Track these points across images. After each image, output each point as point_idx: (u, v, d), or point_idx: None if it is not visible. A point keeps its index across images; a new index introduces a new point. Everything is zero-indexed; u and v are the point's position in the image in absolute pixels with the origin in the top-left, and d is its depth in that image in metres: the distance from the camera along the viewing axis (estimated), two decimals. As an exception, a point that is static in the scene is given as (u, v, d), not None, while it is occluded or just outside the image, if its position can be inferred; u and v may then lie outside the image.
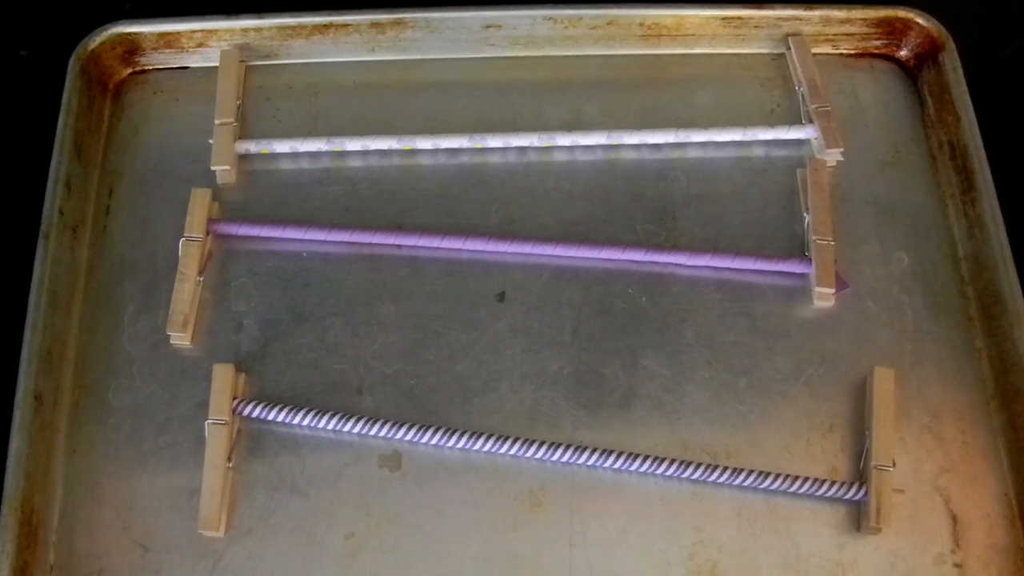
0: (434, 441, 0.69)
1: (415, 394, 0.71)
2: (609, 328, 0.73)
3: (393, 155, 0.80)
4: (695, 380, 0.72)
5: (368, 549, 0.67)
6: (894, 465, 0.68)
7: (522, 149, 0.80)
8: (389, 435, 0.69)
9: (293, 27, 0.82)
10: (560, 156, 0.80)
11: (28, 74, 0.89)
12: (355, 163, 0.79)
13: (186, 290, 0.72)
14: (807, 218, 0.76)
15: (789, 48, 0.84)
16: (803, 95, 0.81)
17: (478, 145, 0.79)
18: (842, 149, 0.79)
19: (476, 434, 0.69)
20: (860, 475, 0.69)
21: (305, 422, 0.69)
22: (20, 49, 0.91)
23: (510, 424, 0.70)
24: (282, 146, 0.78)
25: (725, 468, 0.68)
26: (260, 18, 0.82)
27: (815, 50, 0.84)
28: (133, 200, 0.78)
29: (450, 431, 0.69)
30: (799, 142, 0.80)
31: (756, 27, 0.84)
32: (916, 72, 0.85)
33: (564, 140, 0.79)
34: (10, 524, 0.65)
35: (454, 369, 0.72)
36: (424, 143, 0.79)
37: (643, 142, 0.80)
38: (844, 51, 0.85)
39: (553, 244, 0.75)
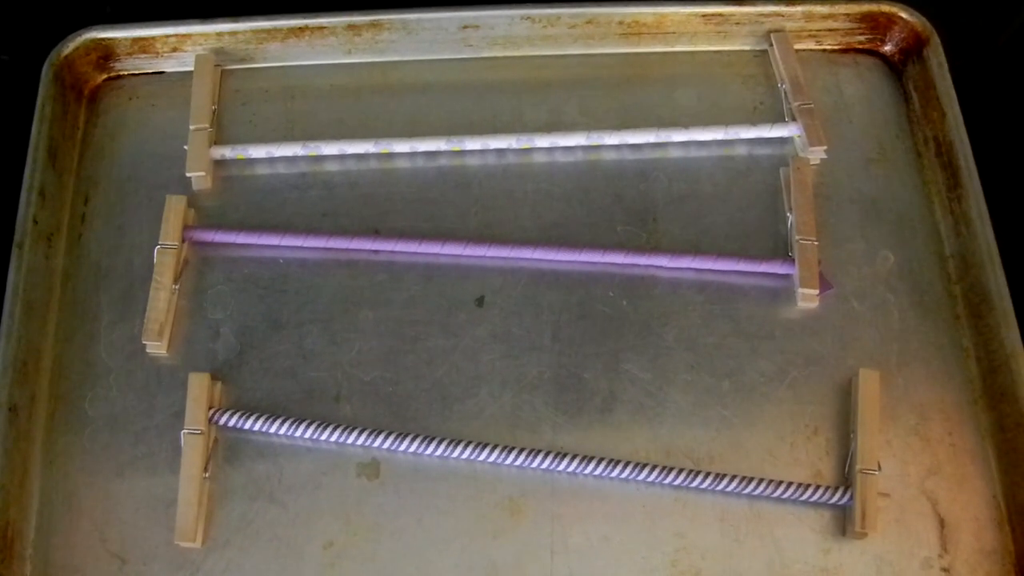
0: (413, 449, 0.68)
1: (393, 401, 0.70)
2: (590, 332, 0.72)
3: (370, 159, 0.79)
4: (677, 384, 0.71)
5: (347, 558, 0.66)
6: (879, 468, 0.67)
7: (501, 151, 0.79)
8: (367, 443, 0.68)
9: (268, 30, 0.81)
10: (540, 158, 0.79)
11: (8, 79, 0.89)
12: (332, 167, 0.79)
13: (161, 298, 0.72)
14: (790, 218, 0.75)
15: (771, 45, 0.83)
16: (786, 92, 0.81)
17: (456, 148, 0.78)
18: (825, 147, 0.78)
19: (455, 441, 0.68)
20: (845, 479, 0.68)
21: (282, 431, 0.68)
22: (1, 53, 0.90)
23: (490, 430, 0.69)
24: (258, 151, 0.78)
25: (708, 473, 0.67)
26: (235, 22, 0.81)
27: (798, 46, 0.83)
28: (109, 207, 0.77)
29: (429, 439, 0.68)
30: (782, 140, 0.80)
31: (737, 24, 0.83)
32: (901, 67, 0.84)
33: (543, 141, 0.78)
34: (-16, 538, 0.64)
35: (433, 375, 0.71)
36: (401, 146, 0.78)
37: (623, 142, 0.79)
38: (827, 47, 0.85)
39: (532, 247, 0.74)
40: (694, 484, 0.67)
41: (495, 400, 0.70)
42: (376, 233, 0.75)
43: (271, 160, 0.78)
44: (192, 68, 0.81)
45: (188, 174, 0.77)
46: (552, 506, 0.67)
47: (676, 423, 0.70)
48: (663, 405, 0.70)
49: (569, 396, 0.70)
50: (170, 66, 0.83)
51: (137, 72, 0.83)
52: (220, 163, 0.78)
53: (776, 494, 0.67)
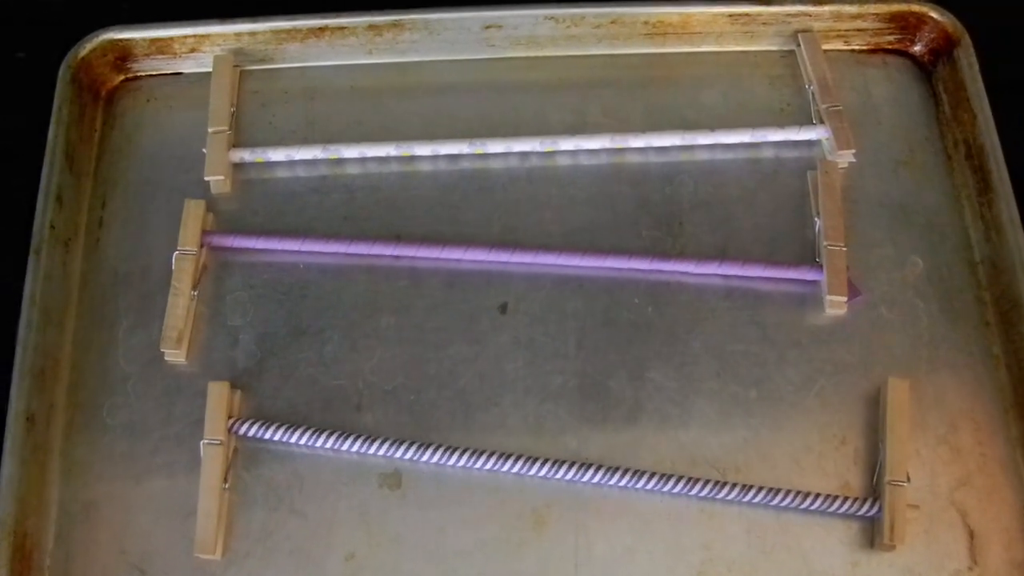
0: (435, 459, 0.67)
1: (415, 410, 0.70)
2: (614, 339, 0.72)
3: (391, 162, 0.78)
4: (703, 392, 0.70)
5: (368, 570, 0.65)
6: (908, 479, 0.66)
7: (524, 154, 0.78)
8: (389, 453, 0.68)
9: (288, 31, 0.80)
10: (563, 161, 0.78)
11: (24, 77, 0.88)
12: (352, 170, 0.78)
13: (180, 305, 0.71)
14: (818, 222, 0.74)
15: (799, 45, 0.82)
16: (813, 94, 0.79)
17: (479, 151, 0.77)
18: (854, 151, 0.77)
19: (478, 452, 0.67)
20: (874, 490, 0.67)
21: (303, 440, 0.68)
22: (17, 51, 0.89)
23: (513, 440, 0.69)
24: (277, 154, 0.77)
25: (734, 485, 0.66)
26: (254, 22, 0.80)
27: (826, 46, 0.82)
28: (127, 211, 0.76)
29: (451, 449, 0.67)
30: (810, 143, 0.78)
31: (764, 24, 0.82)
32: (931, 68, 0.82)
33: (567, 144, 0.77)
34: (3, 550, 0.64)
35: (455, 384, 0.70)
36: (423, 149, 0.77)
37: (648, 145, 0.78)
38: (856, 47, 0.83)
39: (556, 253, 0.73)
40: (720, 496, 0.66)
41: (519, 409, 0.70)
42: (397, 238, 0.74)
43: (291, 163, 0.78)
44: (210, 69, 0.80)
45: (207, 178, 0.76)
46: (576, 517, 0.67)
47: (702, 432, 0.69)
48: (689, 414, 0.69)
49: (594, 405, 0.70)
50: (188, 67, 0.82)
51: (155, 73, 0.82)
52: (239, 166, 0.78)
53: (803, 505, 0.66)
